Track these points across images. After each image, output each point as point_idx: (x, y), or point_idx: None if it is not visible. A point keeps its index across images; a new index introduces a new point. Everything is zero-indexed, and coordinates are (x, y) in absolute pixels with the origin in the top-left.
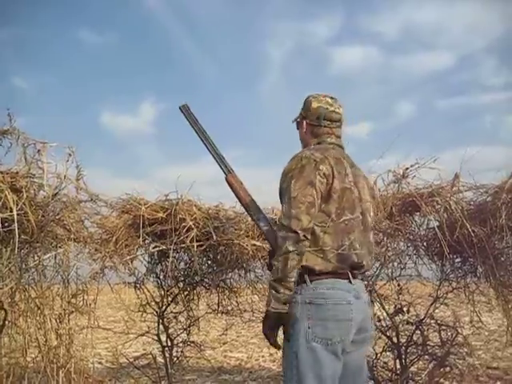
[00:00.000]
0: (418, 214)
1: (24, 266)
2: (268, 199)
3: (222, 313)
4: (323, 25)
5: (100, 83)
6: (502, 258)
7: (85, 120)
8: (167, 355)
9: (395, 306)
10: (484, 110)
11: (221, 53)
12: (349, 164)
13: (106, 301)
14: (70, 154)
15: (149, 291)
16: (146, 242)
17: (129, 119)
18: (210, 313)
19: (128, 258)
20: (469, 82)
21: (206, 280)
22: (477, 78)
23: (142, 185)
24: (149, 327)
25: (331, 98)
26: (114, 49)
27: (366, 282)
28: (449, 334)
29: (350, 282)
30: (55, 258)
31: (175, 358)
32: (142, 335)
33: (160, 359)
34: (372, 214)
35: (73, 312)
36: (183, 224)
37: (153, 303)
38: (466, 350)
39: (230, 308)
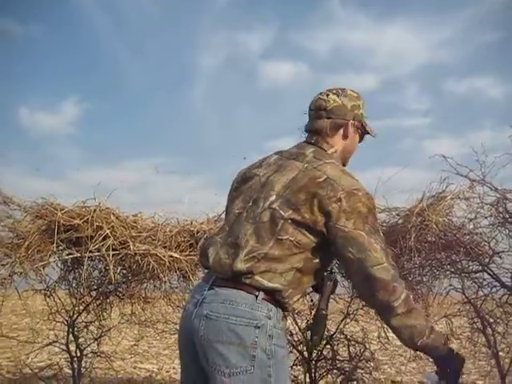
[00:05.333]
0: None
1: None
2: (189, 210)
3: (135, 323)
4: (256, 37)
5: (21, 76)
6: (410, 278)
7: (2, 115)
8: (75, 366)
9: (307, 321)
10: (405, 133)
11: (150, 56)
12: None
13: (10, 307)
14: None
15: (59, 299)
16: (60, 248)
17: (48, 117)
18: (123, 323)
19: (40, 264)
20: (392, 106)
21: (119, 289)
22: (399, 102)
23: (57, 186)
24: (57, 336)
25: None
26: (39, 41)
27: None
28: (357, 349)
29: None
30: None
31: (84, 369)
32: (49, 344)
33: (67, 370)
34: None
35: None
36: (100, 232)
37: (63, 311)
38: (372, 364)
39: (143, 318)
